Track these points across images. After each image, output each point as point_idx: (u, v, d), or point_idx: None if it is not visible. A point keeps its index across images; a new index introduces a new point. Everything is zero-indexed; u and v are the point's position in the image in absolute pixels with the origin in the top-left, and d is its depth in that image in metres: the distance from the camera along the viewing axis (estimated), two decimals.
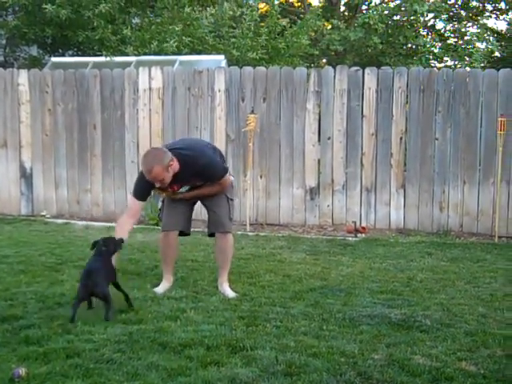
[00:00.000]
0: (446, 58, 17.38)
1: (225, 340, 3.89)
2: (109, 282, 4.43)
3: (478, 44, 16.61)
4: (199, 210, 5.57)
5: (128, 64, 10.71)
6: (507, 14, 19.61)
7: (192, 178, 5.00)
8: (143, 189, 4.97)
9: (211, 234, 5.34)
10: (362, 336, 4.08)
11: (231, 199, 5.25)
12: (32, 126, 9.64)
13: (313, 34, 14.98)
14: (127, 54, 11.87)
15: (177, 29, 12.02)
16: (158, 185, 4.83)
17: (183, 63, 10.85)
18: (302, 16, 17.04)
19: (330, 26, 17.29)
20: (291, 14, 17.93)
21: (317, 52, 15.45)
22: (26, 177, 9.68)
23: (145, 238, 7.68)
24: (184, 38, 12.03)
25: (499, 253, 7.34)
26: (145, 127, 9.32)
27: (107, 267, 4.47)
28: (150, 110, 9.30)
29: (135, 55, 11.83)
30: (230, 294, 5.07)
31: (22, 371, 3.30)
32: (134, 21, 13.46)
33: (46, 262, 6.18)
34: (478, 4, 19.22)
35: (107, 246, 4.56)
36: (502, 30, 19.92)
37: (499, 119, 8.19)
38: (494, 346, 3.92)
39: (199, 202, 5.34)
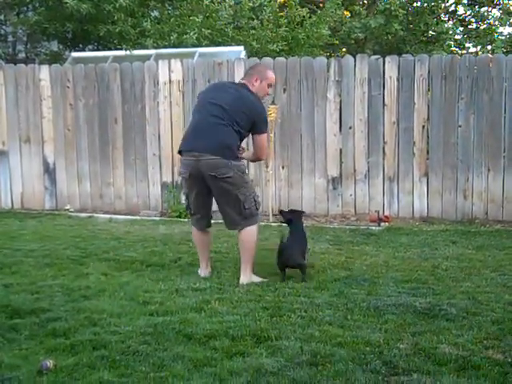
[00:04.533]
0: (468, 45, 17.14)
1: (249, 330, 3.89)
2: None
3: (500, 28, 16.37)
4: None
5: (147, 57, 10.72)
6: None
7: (241, 110, 5.18)
8: None
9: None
10: (386, 325, 4.05)
11: (242, 194, 5.20)
12: (54, 121, 9.70)
13: (332, 23, 14.86)
14: (147, 47, 11.90)
15: (197, 20, 12.01)
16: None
17: (203, 55, 10.84)
18: (320, 5, 16.93)
19: (349, 15, 17.17)
20: (309, 3, 17.80)
21: (337, 42, 15.35)
22: (49, 172, 9.76)
23: (167, 230, 7.71)
24: (203, 29, 12.03)
25: None
26: (165, 120, 9.34)
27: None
28: (170, 102, 9.32)
29: (155, 48, 11.85)
30: (244, 279, 5.17)
31: (50, 363, 3.33)
32: (152, 14, 13.47)
33: (71, 255, 6.24)
34: None
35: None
36: None
37: None
38: None
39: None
